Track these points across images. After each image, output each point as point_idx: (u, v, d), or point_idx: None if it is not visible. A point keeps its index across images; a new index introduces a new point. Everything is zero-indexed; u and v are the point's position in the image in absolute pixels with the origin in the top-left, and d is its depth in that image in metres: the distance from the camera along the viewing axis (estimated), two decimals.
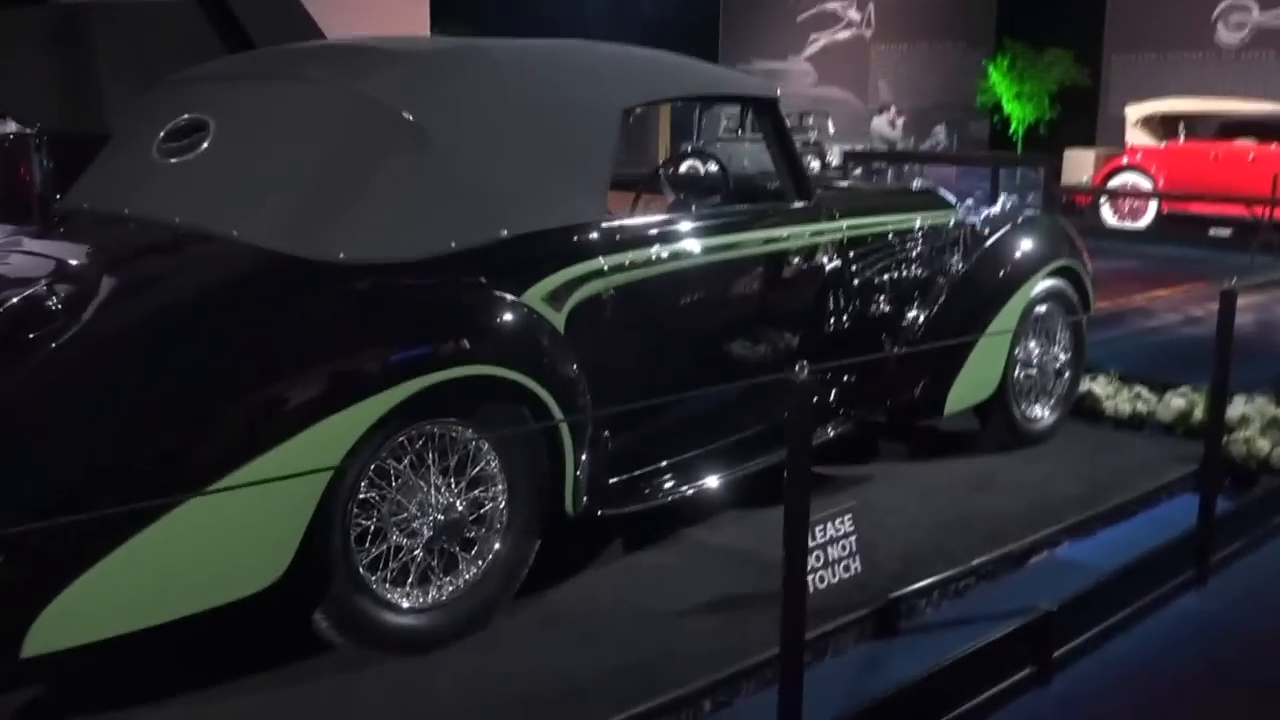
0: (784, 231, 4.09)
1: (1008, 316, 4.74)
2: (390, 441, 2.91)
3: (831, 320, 4.38)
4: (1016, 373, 4.91)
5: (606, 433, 3.43)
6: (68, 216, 3.48)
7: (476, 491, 3.14)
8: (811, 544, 3.46)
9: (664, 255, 3.60)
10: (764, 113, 4.12)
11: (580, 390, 3.23)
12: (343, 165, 3.05)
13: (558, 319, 3.25)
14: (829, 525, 3.51)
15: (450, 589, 3.11)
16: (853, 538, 3.56)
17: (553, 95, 3.42)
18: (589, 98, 3.47)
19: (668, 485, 3.67)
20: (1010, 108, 19.63)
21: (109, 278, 2.89)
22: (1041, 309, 5.02)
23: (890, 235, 4.82)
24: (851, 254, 4.48)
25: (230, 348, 2.68)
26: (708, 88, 4.11)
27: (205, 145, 3.23)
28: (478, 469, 3.13)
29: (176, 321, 2.73)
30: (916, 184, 6.72)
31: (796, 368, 2.37)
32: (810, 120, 21.28)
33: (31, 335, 2.66)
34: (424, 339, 2.90)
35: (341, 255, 2.90)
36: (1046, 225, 5.23)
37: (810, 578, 3.42)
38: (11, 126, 5.55)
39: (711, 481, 3.77)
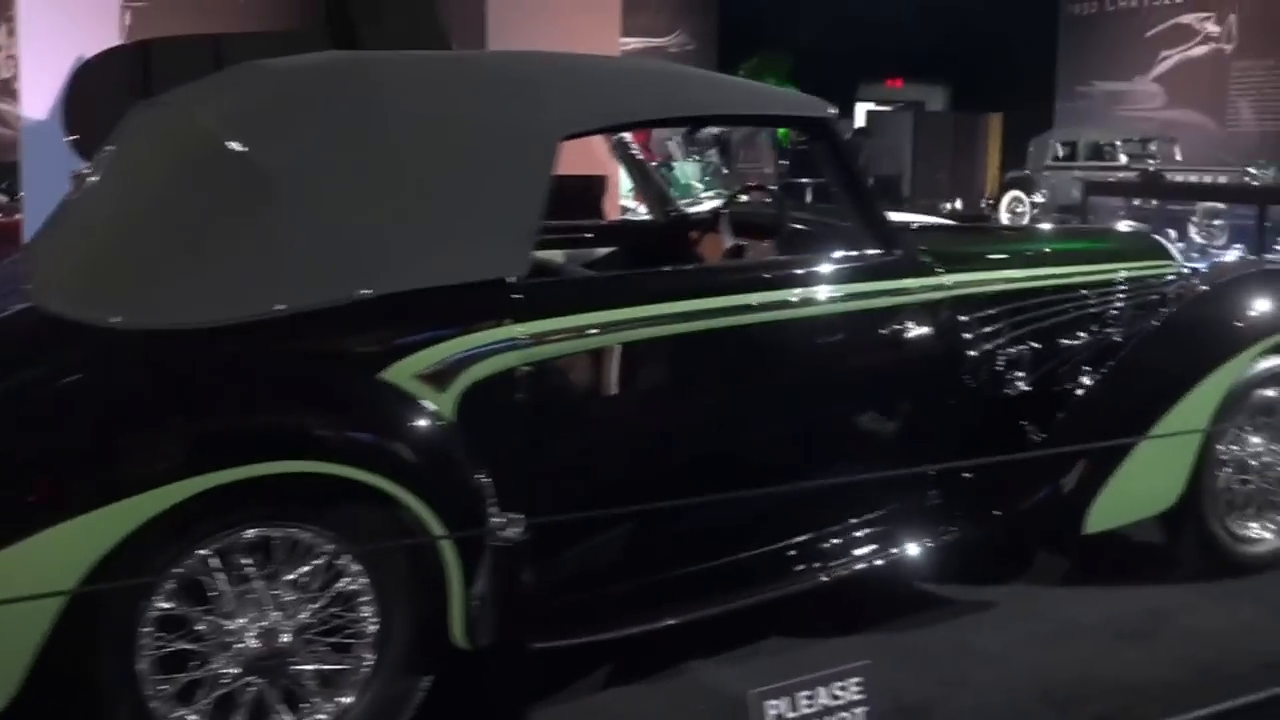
0: (824, 292, 3.13)
1: (1198, 405, 3.54)
2: (190, 550, 2.34)
3: (905, 408, 3.37)
4: (1219, 477, 3.68)
5: (527, 546, 2.68)
6: None
7: (334, 612, 2.52)
8: (789, 714, 2.58)
9: (620, 321, 2.78)
10: (818, 137, 3.21)
11: (469, 493, 2.53)
12: (139, 208, 2.53)
13: (442, 402, 2.55)
14: (820, 692, 2.61)
15: None
16: (861, 711, 2.63)
17: (459, 120, 2.73)
18: (512, 122, 2.74)
19: (635, 613, 2.87)
20: None
21: None
22: (1270, 394, 3.76)
23: (1041, 293, 3.74)
24: (962, 319, 3.45)
25: None
26: (721, 107, 3.20)
27: (87, 184, 2.82)
28: (330, 585, 2.50)
29: None
30: (1124, 226, 5.43)
31: None
32: (1153, 146, 19.07)
33: None
34: (203, 425, 2.31)
35: (114, 320, 2.36)
36: None
37: None
38: None
39: (700, 610, 2.93)
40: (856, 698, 2.62)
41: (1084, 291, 3.86)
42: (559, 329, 2.71)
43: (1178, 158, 18.84)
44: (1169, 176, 17.20)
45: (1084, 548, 3.74)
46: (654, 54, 20.77)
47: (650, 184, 4.18)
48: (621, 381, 2.83)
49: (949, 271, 3.43)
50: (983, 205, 21.02)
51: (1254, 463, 3.76)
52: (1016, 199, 20.07)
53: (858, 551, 3.26)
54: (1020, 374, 3.59)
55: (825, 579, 3.16)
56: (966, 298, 3.47)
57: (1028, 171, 20.42)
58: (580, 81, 2.94)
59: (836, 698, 2.61)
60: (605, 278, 3.02)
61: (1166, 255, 4.32)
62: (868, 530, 3.33)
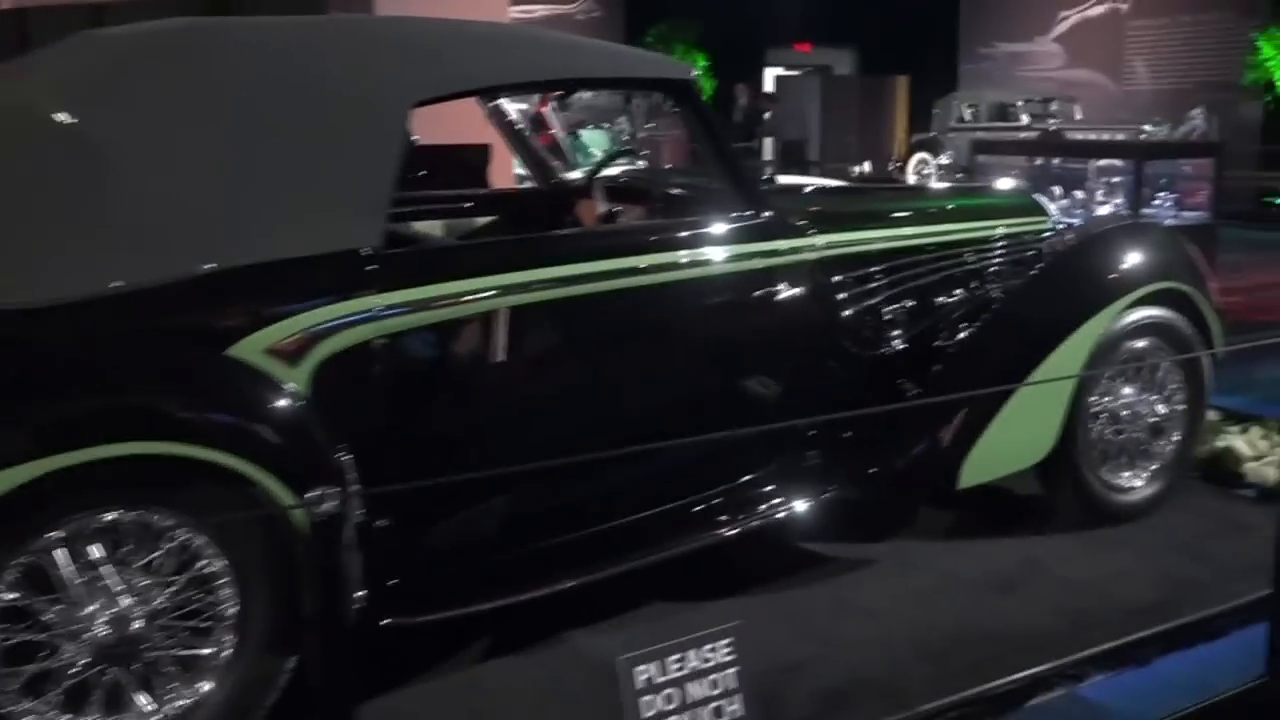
0: (692, 256, 3.10)
1: (1068, 356, 3.60)
2: (32, 537, 2.26)
3: (777, 370, 3.37)
4: (1092, 428, 3.76)
5: (387, 521, 2.64)
6: None
7: (191, 596, 2.46)
8: (659, 678, 2.58)
9: (479, 290, 2.74)
10: (682, 100, 3.17)
11: (326, 469, 2.47)
12: None
13: (294, 377, 2.49)
14: (690, 655, 2.61)
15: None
16: (731, 671, 2.64)
17: (306, 87, 2.65)
18: (360, 89, 2.66)
19: (509, 584, 2.84)
20: None
21: None
22: (1139, 345, 3.84)
23: (914, 252, 3.77)
24: (834, 279, 3.47)
25: None
26: (579, 71, 3.16)
27: None
28: (185, 568, 2.44)
29: None
30: (1004, 184, 5.52)
31: None
32: (1054, 106, 19.39)
33: None
34: (38, 408, 2.22)
35: None
36: (1151, 238, 4.02)
37: None
38: None
39: (576, 578, 2.91)
40: (727, 659, 2.64)
41: (959, 249, 3.90)
42: (417, 299, 2.65)
43: (1078, 117, 19.20)
44: (1068, 135, 17.51)
45: (962, 502, 3.80)
46: (559, 23, 20.59)
47: (529, 152, 4.13)
48: (483, 350, 2.79)
49: (822, 232, 3.44)
50: (890, 168, 21.26)
51: (1125, 413, 3.85)
52: (923, 160, 20.32)
53: (737, 514, 3.27)
54: (894, 333, 3.63)
55: (703, 542, 3.17)
56: (838, 258, 3.48)
57: (934, 133, 20.67)
58: (431, 47, 2.87)
59: (707, 660, 2.62)
60: (463, 246, 2.97)
61: (1042, 212, 4.38)
62: (746, 493, 3.34)
